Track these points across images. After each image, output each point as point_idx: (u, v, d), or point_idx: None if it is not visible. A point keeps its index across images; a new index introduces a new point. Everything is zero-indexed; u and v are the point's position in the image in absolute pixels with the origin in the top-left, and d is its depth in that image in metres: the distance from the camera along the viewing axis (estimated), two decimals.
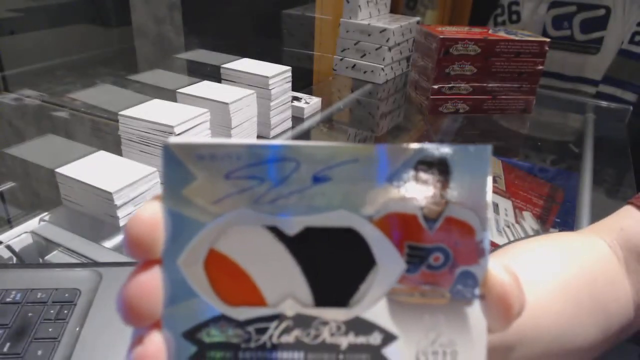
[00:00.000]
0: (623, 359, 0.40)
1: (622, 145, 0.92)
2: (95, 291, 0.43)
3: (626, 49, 1.20)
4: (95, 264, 0.50)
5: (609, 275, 0.31)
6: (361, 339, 0.16)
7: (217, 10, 1.41)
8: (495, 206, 0.67)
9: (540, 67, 0.94)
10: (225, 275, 0.16)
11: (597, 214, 0.36)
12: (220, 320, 0.16)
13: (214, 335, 0.16)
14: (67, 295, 0.42)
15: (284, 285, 0.16)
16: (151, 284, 0.15)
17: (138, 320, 0.15)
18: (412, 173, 0.15)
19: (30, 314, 0.40)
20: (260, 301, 0.16)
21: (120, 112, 0.68)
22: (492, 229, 0.63)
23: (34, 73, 1.18)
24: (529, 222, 0.66)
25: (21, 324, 0.39)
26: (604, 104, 1.13)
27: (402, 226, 0.16)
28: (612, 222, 0.35)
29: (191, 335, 0.16)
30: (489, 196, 0.16)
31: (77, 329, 0.39)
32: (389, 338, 0.16)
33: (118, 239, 0.56)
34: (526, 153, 0.93)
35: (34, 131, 0.99)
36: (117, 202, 0.56)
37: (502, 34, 0.93)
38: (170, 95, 0.82)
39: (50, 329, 0.39)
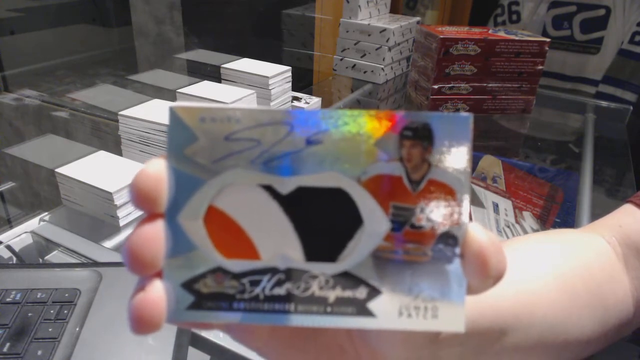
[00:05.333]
0: (623, 358, 0.40)
1: (622, 145, 0.92)
2: (95, 291, 0.43)
3: (626, 48, 1.20)
4: (95, 264, 0.50)
5: (607, 270, 0.31)
6: (348, 293, 0.17)
7: (217, 10, 1.41)
8: (495, 206, 0.67)
9: (540, 67, 0.94)
10: (223, 230, 0.17)
11: (597, 214, 0.36)
12: (217, 272, 0.17)
13: (210, 285, 0.17)
14: (67, 295, 0.42)
15: (277, 240, 0.17)
16: (154, 234, 0.16)
17: (141, 267, 0.16)
18: (398, 138, 0.16)
19: (30, 314, 0.40)
20: (254, 255, 0.17)
21: (120, 112, 0.68)
22: (492, 229, 0.63)
23: (34, 73, 1.18)
24: (529, 222, 0.66)
25: (21, 324, 0.39)
26: (604, 104, 1.13)
27: (387, 187, 0.17)
28: (611, 219, 0.35)
29: (189, 285, 0.16)
30: (469, 161, 0.17)
31: (77, 329, 0.39)
32: (373, 293, 0.17)
33: (118, 239, 0.56)
34: (526, 153, 0.93)
35: (34, 131, 0.99)
36: (117, 202, 0.56)
37: (502, 34, 0.93)
38: (170, 95, 0.82)
39: (50, 329, 0.39)
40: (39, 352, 0.37)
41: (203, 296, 0.17)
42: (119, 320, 0.40)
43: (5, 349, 0.37)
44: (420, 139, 0.16)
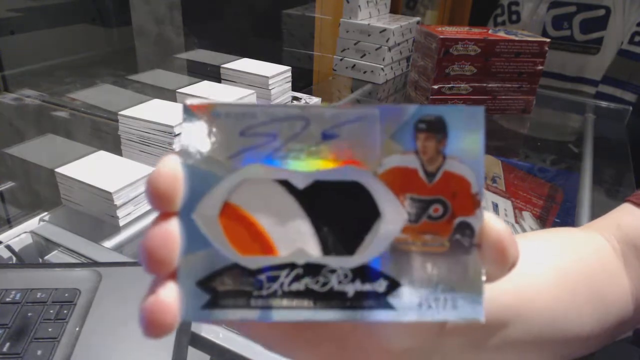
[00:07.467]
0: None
1: (622, 145, 0.92)
2: (95, 291, 0.43)
3: (626, 49, 1.20)
4: (95, 264, 0.50)
5: (607, 267, 0.32)
6: (367, 287, 0.17)
7: (217, 10, 1.41)
8: (495, 206, 0.67)
9: (540, 67, 0.94)
10: (239, 226, 0.16)
11: (597, 214, 0.36)
12: (234, 269, 0.16)
13: (226, 283, 0.16)
14: (67, 295, 0.42)
15: (294, 235, 0.17)
16: (169, 233, 0.16)
17: (156, 267, 0.16)
18: (412, 130, 0.17)
19: (30, 314, 0.40)
20: (271, 251, 0.17)
21: (120, 112, 0.68)
22: None
23: (34, 73, 1.18)
24: (529, 222, 0.66)
25: (21, 324, 0.39)
26: (603, 104, 1.13)
27: (404, 180, 0.17)
28: (610, 218, 0.35)
29: (205, 283, 0.16)
30: (483, 152, 0.17)
31: (77, 329, 0.39)
32: (393, 285, 0.17)
33: (118, 239, 0.56)
34: (526, 153, 0.93)
35: (34, 131, 0.98)
36: (117, 202, 0.56)
37: (502, 34, 0.93)
38: (170, 95, 0.82)
39: (50, 329, 0.39)
40: (39, 352, 0.37)
41: (219, 294, 0.16)
42: (119, 320, 0.40)
43: (5, 349, 0.37)
44: (434, 131, 0.17)
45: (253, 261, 0.16)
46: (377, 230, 0.17)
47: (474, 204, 0.17)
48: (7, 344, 0.37)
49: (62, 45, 1.28)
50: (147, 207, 0.60)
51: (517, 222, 0.65)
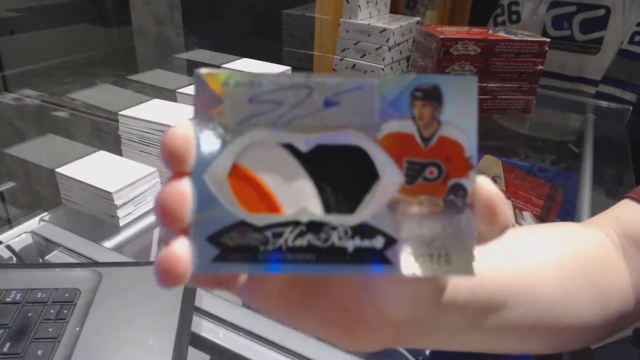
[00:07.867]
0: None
1: (622, 145, 0.92)
2: (95, 291, 0.43)
3: (626, 49, 1.20)
4: (95, 264, 0.50)
5: (607, 260, 0.32)
6: (366, 243, 0.18)
7: (217, 10, 1.41)
8: None
9: (540, 67, 0.94)
10: (247, 186, 0.18)
11: (597, 214, 0.37)
12: (241, 225, 0.18)
13: (235, 238, 0.17)
14: (67, 295, 0.42)
15: (298, 195, 0.18)
16: (181, 190, 0.17)
17: (171, 221, 0.17)
18: (409, 98, 0.18)
19: (30, 314, 0.40)
20: (277, 209, 0.18)
21: (120, 112, 0.68)
22: None
23: (34, 73, 1.18)
24: (529, 222, 0.66)
25: (21, 324, 0.39)
26: (603, 104, 1.13)
27: (401, 144, 0.18)
28: (610, 214, 0.36)
29: (215, 239, 0.17)
30: (476, 119, 0.18)
31: (77, 329, 0.39)
32: (390, 241, 0.18)
33: (118, 239, 0.56)
34: (526, 153, 0.93)
35: (34, 131, 0.98)
36: (117, 202, 0.56)
37: (502, 34, 0.93)
38: (170, 95, 0.82)
39: (50, 329, 0.39)
40: (39, 352, 0.37)
41: (228, 248, 0.17)
42: (119, 320, 0.40)
43: (5, 349, 0.37)
44: (430, 99, 0.18)
45: (259, 219, 0.18)
46: (376, 191, 0.18)
47: (467, 167, 0.18)
48: (8, 344, 0.37)
49: (62, 45, 1.28)
50: (147, 207, 0.60)
51: (517, 222, 0.65)
